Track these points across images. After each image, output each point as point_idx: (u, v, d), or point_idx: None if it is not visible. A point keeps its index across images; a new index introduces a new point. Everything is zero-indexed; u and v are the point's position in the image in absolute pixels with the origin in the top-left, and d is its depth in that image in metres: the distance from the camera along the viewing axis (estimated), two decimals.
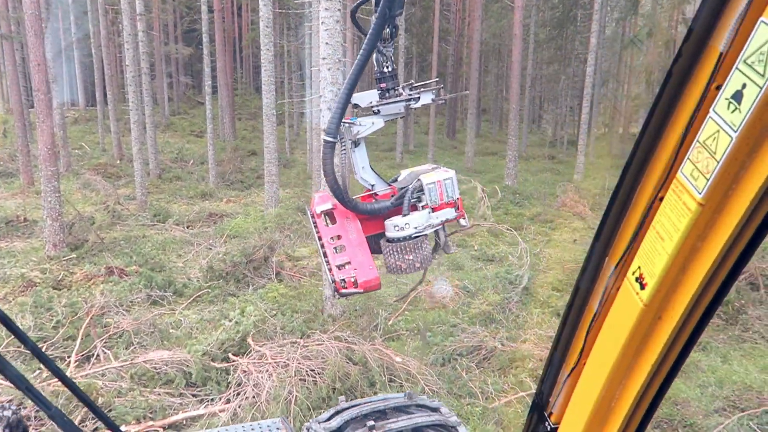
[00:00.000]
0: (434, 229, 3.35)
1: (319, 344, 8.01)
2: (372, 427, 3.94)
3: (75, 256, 13.25)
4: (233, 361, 8.06)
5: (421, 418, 4.08)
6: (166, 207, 18.62)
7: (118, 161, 25.51)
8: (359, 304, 10.51)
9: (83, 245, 13.84)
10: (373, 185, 3.50)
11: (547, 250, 15.61)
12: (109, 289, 11.00)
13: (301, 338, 8.95)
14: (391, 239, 3.28)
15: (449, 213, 3.38)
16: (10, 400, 7.26)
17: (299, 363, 7.44)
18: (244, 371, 7.58)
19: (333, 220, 3.35)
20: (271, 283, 12.01)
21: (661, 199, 1.17)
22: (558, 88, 36.30)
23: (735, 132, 0.94)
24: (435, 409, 4.28)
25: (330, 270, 3.18)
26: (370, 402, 4.29)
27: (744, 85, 0.94)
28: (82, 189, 19.71)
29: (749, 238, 1.01)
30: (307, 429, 4.00)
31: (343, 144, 3.38)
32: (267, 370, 7.38)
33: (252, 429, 4.14)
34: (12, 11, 20.56)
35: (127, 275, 12.28)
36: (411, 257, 3.29)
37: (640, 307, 1.16)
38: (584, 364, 1.42)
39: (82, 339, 8.72)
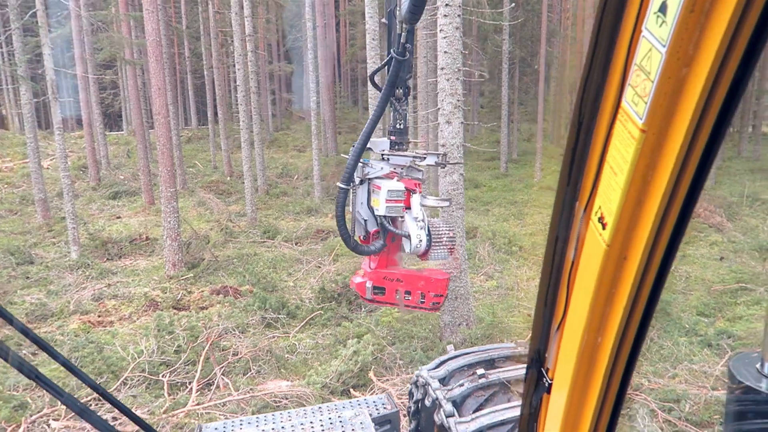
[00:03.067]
0: (424, 212, 4.09)
1: None
2: (482, 375, 3.96)
3: (192, 275, 13.51)
4: (354, 396, 7.56)
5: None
6: (275, 224, 18.81)
7: (228, 178, 26.41)
8: (480, 332, 9.72)
9: (200, 264, 14.12)
10: (366, 221, 4.14)
11: (684, 267, 13.96)
12: (225, 312, 10.98)
13: None
14: (426, 251, 3.93)
15: (416, 199, 4.07)
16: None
17: None
18: None
19: (380, 289, 3.92)
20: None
21: None
22: None
23: (664, 47, 0.89)
24: None
25: (423, 309, 3.98)
26: (478, 351, 4.30)
27: None
28: (196, 207, 20.44)
29: (698, 161, 0.94)
30: (417, 376, 4.21)
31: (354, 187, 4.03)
32: None
33: (358, 404, 4.35)
34: (135, 38, 21.83)
35: (241, 295, 12.29)
36: (444, 238, 3.99)
37: (604, 248, 1.11)
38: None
39: (202, 366, 8.62)
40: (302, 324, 10.97)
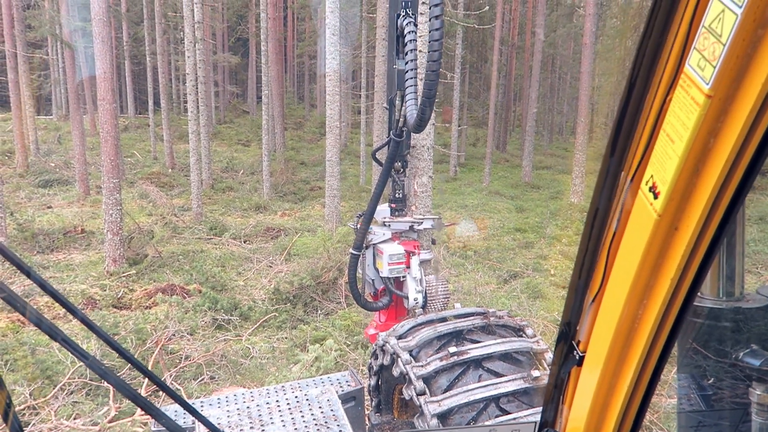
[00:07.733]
0: (422, 271, 4.64)
1: None
2: (454, 353, 3.82)
3: (134, 272, 12.68)
4: None
5: (503, 345, 3.85)
6: (222, 220, 18.05)
7: (170, 170, 25.25)
8: None
9: (142, 260, 13.28)
10: (373, 280, 4.67)
11: None
12: (173, 313, 10.31)
13: None
14: (426, 304, 4.54)
15: (415, 260, 4.58)
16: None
17: None
18: None
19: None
20: (341, 308, 11.16)
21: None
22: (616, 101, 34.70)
23: (740, 8, 0.85)
24: (518, 330, 4.11)
25: None
26: (450, 318, 4.21)
27: None
28: (137, 199, 19.34)
29: (765, 128, 0.90)
30: (384, 342, 4.12)
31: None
32: None
33: (323, 382, 4.34)
34: (76, 17, 20.44)
35: (189, 294, 11.62)
36: (440, 294, 4.56)
37: (654, 218, 1.08)
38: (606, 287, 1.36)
39: (152, 369, 8.00)
40: (255, 326, 10.46)
